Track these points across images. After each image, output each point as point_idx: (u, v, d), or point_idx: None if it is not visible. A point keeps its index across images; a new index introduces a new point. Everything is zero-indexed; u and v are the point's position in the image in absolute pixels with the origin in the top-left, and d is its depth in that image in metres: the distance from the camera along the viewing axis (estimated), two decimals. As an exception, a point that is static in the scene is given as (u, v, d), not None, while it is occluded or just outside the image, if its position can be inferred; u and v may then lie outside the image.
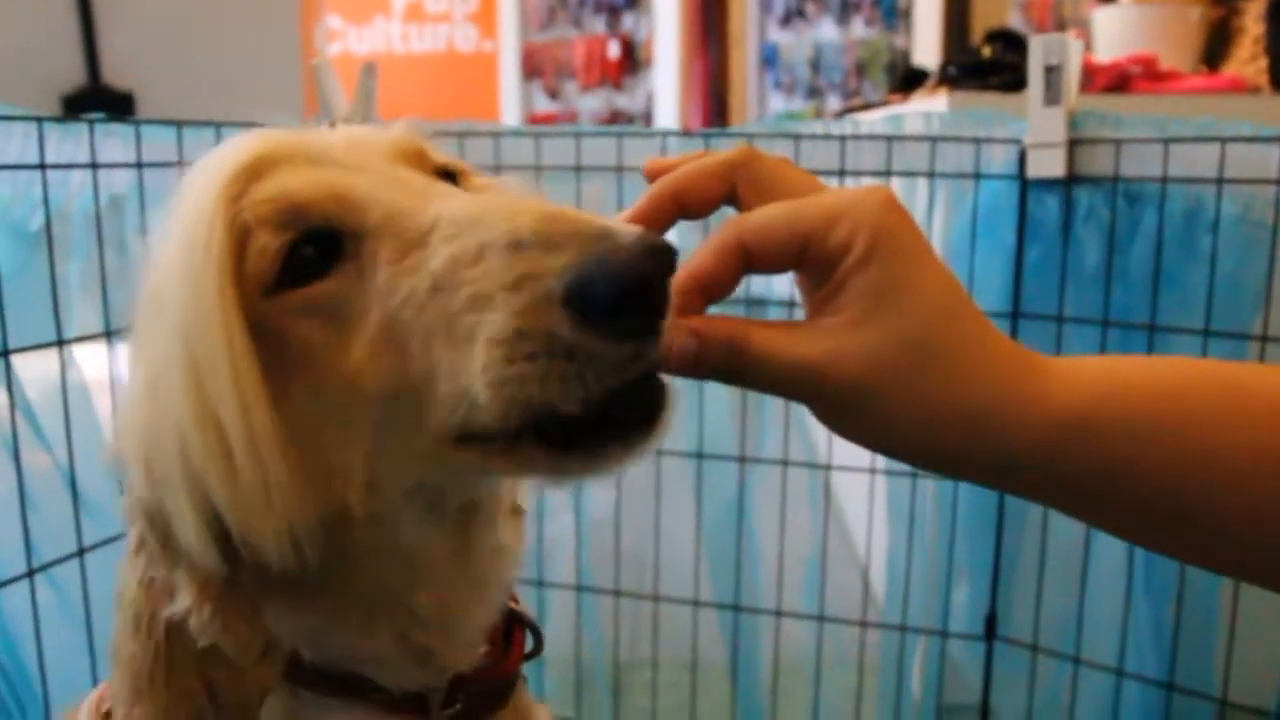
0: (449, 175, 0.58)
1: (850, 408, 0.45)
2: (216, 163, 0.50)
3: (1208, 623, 1.27)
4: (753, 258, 0.46)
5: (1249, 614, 1.23)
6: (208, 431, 0.46)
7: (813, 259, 0.45)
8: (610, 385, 0.43)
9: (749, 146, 0.49)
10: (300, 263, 0.48)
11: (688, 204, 0.48)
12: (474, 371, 0.43)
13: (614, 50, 6.51)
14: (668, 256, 0.42)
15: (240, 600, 0.52)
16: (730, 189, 0.48)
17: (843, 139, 1.32)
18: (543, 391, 0.42)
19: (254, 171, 0.50)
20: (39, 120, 0.98)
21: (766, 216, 0.46)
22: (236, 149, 0.51)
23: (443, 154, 0.57)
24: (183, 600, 0.51)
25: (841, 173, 1.32)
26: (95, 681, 1.07)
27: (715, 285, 0.46)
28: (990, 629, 1.40)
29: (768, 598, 1.48)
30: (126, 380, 0.54)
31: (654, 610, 1.50)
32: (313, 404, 0.49)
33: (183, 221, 0.48)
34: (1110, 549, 1.31)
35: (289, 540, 0.48)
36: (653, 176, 0.50)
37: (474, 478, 0.53)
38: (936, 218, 1.33)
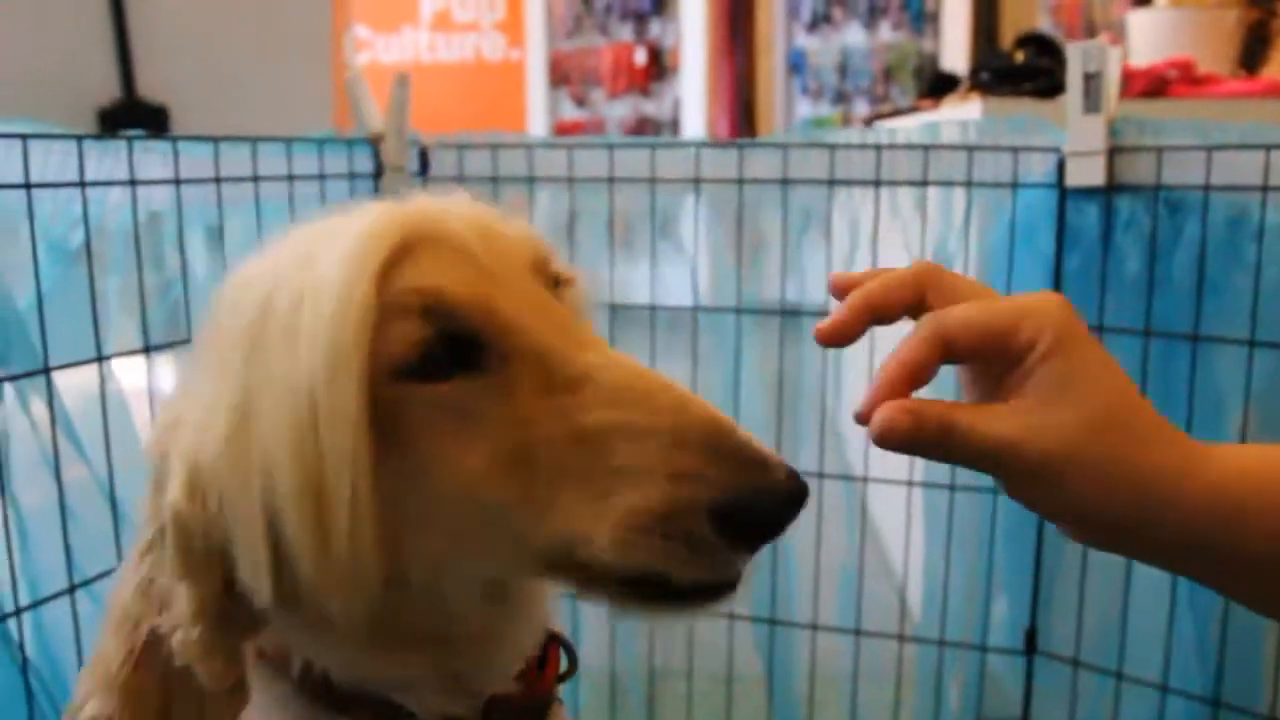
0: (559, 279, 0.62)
1: (1040, 480, 0.50)
2: (361, 235, 0.52)
3: (1254, 637, 1.25)
4: (952, 348, 0.52)
5: (1297, 629, 1.21)
6: (310, 494, 0.49)
7: (1003, 351, 0.52)
8: (719, 574, 0.51)
9: (930, 262, 0.55)
10: (431, 356, 0.52)
11: (882, 313, 0.55)
12: (605, 524, 0.50)
13: (641, 57, 6.51)
14: (804, 502, 0.51)
15: (230, 632, 0.54)
16: (920, 297, 0.54)
17: (878, 148, 1.31)
18: (664, 564, 0.50)
19: (401, 251, 0.53)
20: (79, 138, 0.99)
21: (965, 313, 0.52)
22: (381, 224, 0.53)
23: (559, 263, 0.62)
24: (177, 614, 0.53)
25: (877, 183, 1.31)
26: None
27: (921, 372, 0.52)
28: (1030, 643, 1.39)
29: (803, 611, 1.47)
30: (185, 390, 0.55)
31: (688, 622, 1.50)
32: (408, 488, 0.52)
33: (323, 286, 0.50)
34: (1153, 562, 1.29)
35: (353, 599, 0.51)
36: (840, 290, 0.56)
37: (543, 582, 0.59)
38: (974, 227, 1.32)
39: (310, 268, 0.52)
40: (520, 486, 0.51)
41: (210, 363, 0.53)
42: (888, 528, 2.16)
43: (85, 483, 1.06)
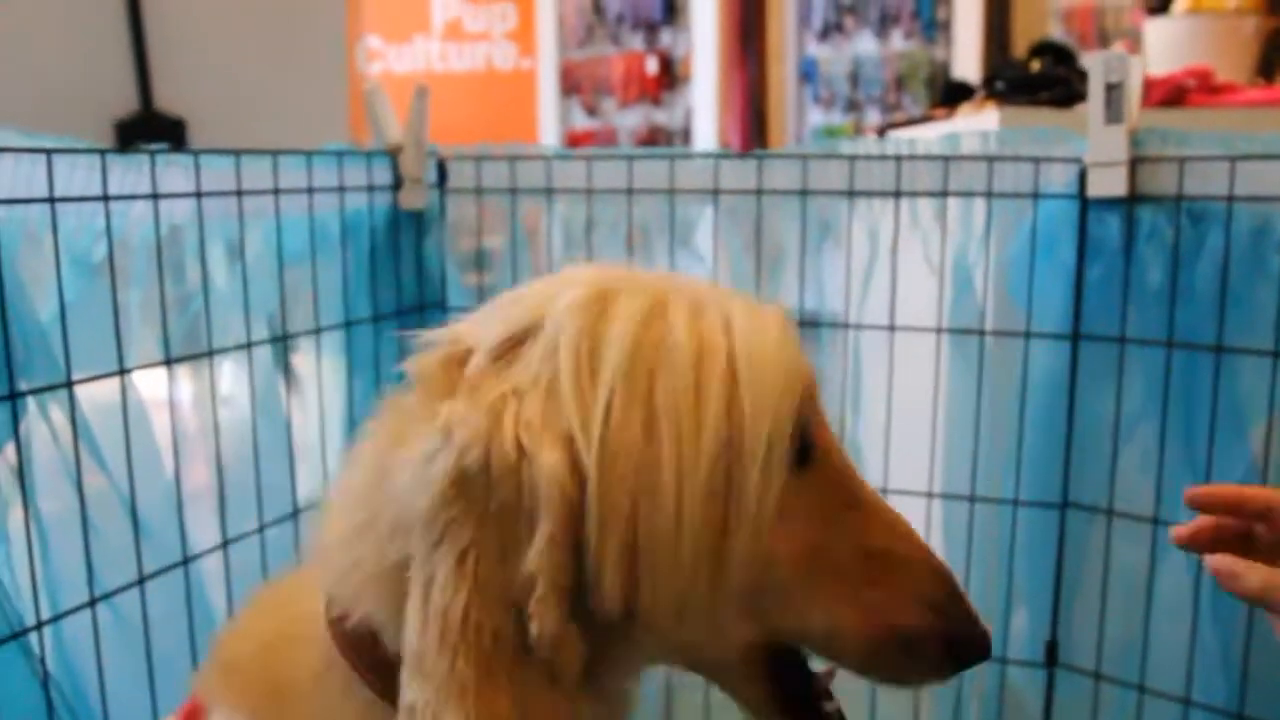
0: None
1: None
2: (780, 320, 0.61)
3: (1277, 650, 1.23)
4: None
5: (1322, 642, 1.19)
6: (714, 528, 0.55)
7: None
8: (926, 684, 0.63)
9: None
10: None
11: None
12: (867, 631, 0.60)
13: (652, 66, 6.52)
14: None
15: (573, 625, 0.55)
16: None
17: (898, 159, 1.30)
18: (900, 675, 0.62)
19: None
20: (102, 153, 0.99)
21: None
22: (779, 314, 0.61)
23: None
24: (538, 612, 0.53)
25: (897, 194, 1.31)
26: (154, 706, 1.08)
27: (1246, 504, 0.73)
28: (1051, 655, 1.38)
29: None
30: (510, 372, 0.57)
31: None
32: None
33: (772, 357, 0.58)
34: (1175, 573, 1.28)
35: (680, 629, 0.58)
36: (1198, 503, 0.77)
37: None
38: (994, 238, 1.31)
39: (731, 333, 0.57)
40: (805, 577, 0.60)
41: (582, 367, 0.55)
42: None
43: (105, 494, 1.06)
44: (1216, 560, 0.68)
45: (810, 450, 0.61)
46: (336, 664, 0.62)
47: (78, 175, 0.98)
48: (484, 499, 0.53)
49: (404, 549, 0.56)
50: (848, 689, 1.46)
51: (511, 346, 0.58)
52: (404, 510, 0.55)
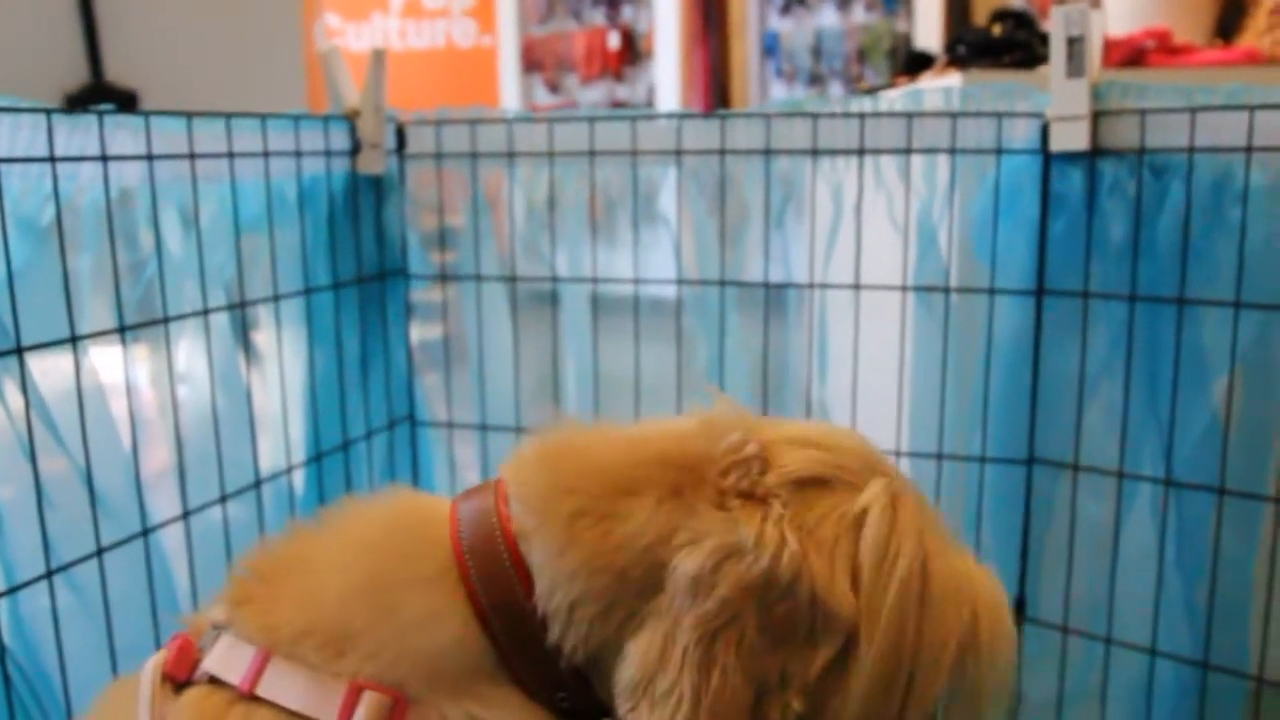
0: None
1: None
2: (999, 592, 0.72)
3: (1242, 599, 1.25)
4: None
5: (1284, 590, 1.21)
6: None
7: None
8: None
9: None
10: None
11: None
12: None
13: (614, 42, 6.48)
14: None
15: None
16: None
17: (861, 117, 1.30)
18: None
19: None
20: (48, 112, 0.96)
21: None
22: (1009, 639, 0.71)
23: None
24: (792, 695, 0.64)
25: (861, 151, 1.30)
26: (114, 679, 1.06)
27: None
28: (1019, 610, 1.38)
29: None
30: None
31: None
32: None
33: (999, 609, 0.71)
34: (1141, 526, 1.29)
35: None
36: None
37: None
38: (958, 194, 1.31)
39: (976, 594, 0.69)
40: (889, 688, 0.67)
41: (881, 562, 0.66)
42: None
43: (62, 469, 1.04)
44: None
45: None
46: (449, 573, 0.67)
47: (22, 136, 0.95)
48: (774, 605, 0.64)
49: (640, 606, 0.65)
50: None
51: (809, 486, 0.68)
52: (687, 588, 0.64)
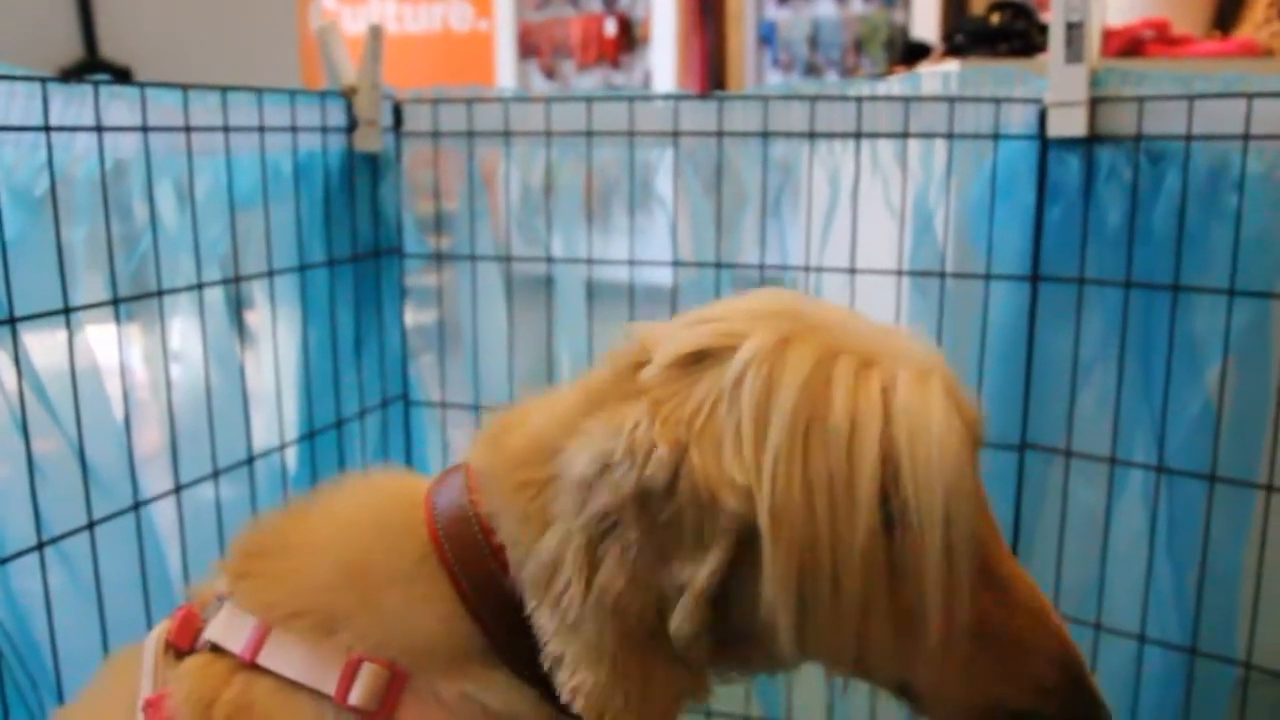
0: None
1: None
2: (948, 383, 0.62)
3: (1231, 587, 1.25)
4: None
5: (1272, 577, 1.21)
6: (861, 596, 0.59)
7: None
8: None
9: None
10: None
11: None
12: (965, 700, 0.63)
13: (611, 28, 6.46)
14: None
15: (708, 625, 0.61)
16: None
17: (859, 100, 1.29)
18: None
19: None
20: (43, 81, 0.95)
21: None
22: (953, 424, 0.60)
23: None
24: (680, 617, 0.60)
25: (858, 135, 1.30)
26: (107, 654, 1.06)
27: None
28: (1009, 597, 1.39)
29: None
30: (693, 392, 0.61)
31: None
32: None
33: (938, 420, 0.59)
34: (1132, 513, 1.30)
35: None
36: None
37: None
38: (955, 179, 1.31)
39: (890, 404, 0.59)
40: (906, 630, 0.60)
41: (759, 425, 0.59)
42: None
43: (56, 447, 1.04)
44: None
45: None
46: (429, 558, 0.67)
47: (16, 105, 0.94)
48: (656, 512, 0.60)
49: (566, 520, 0.62)
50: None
51: (694, 366, 0.62)
52: (574, 492, 0.62)
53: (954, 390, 0.62)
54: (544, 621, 0.63)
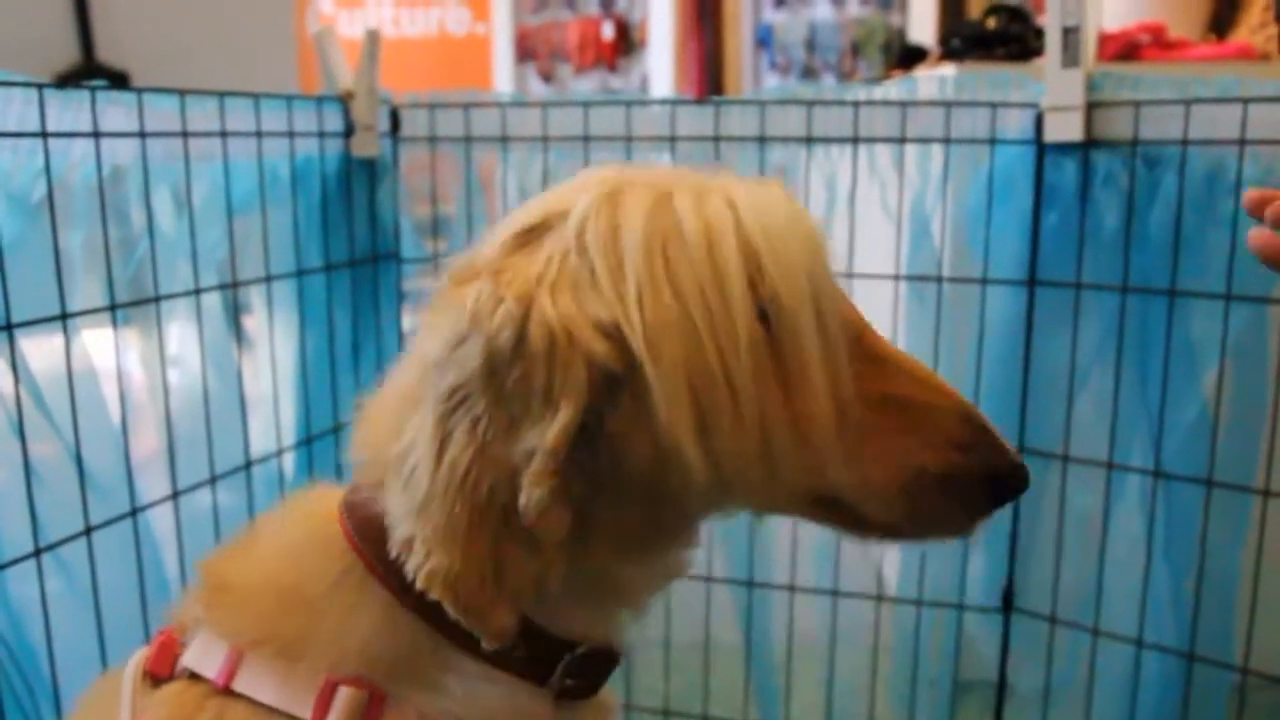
0: None
1: None
2: (780, 195, 0.62)
3: (1228, 591, 1.25)
4: None
5: (1270, 582, 1.21)
6: (758, 397, 0.58)
7: None
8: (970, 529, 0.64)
9: None
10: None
11: None
12: (897, 481, 0.61)
13: (608, 32, 6.46)
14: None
15: (564, 494, 0.58)
16: None
17: (855, 105, 1.29)
18: (934, 519, 0.62)
19: None
20: (39, 87, 0.95)
21: None
22: (800, 213, 0.62)
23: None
24: (530, 484, 0.57)
25: (855, 139, 1.30)
26: (104, 662, 1.06)
27: None
28: (1007, 601, 1.39)
29: (780, 573, 1.47)
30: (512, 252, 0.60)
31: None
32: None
33: (786, 222, 0.60)
34: (1129, 519, 1.30)
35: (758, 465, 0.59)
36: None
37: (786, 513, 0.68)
38: (951, 184, 1.31)
39: (737, 209, 0.59)
40: (820, 427, 0.59)
41: (610, 261, 0.58)
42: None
43: (53, 453, 1.03)
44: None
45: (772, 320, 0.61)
46: (354, 567, 0.66)
47: (13, 111, 0.94)
48: (505, 376, 0.58)
49: (423, 406, 0.61)
50: (805, 641, 1.46)
51: (529, 238, 0.62)
52: (429, 378, 0.60)
53: (791, 197, 0.63)
54: (394, 507, 0.61)
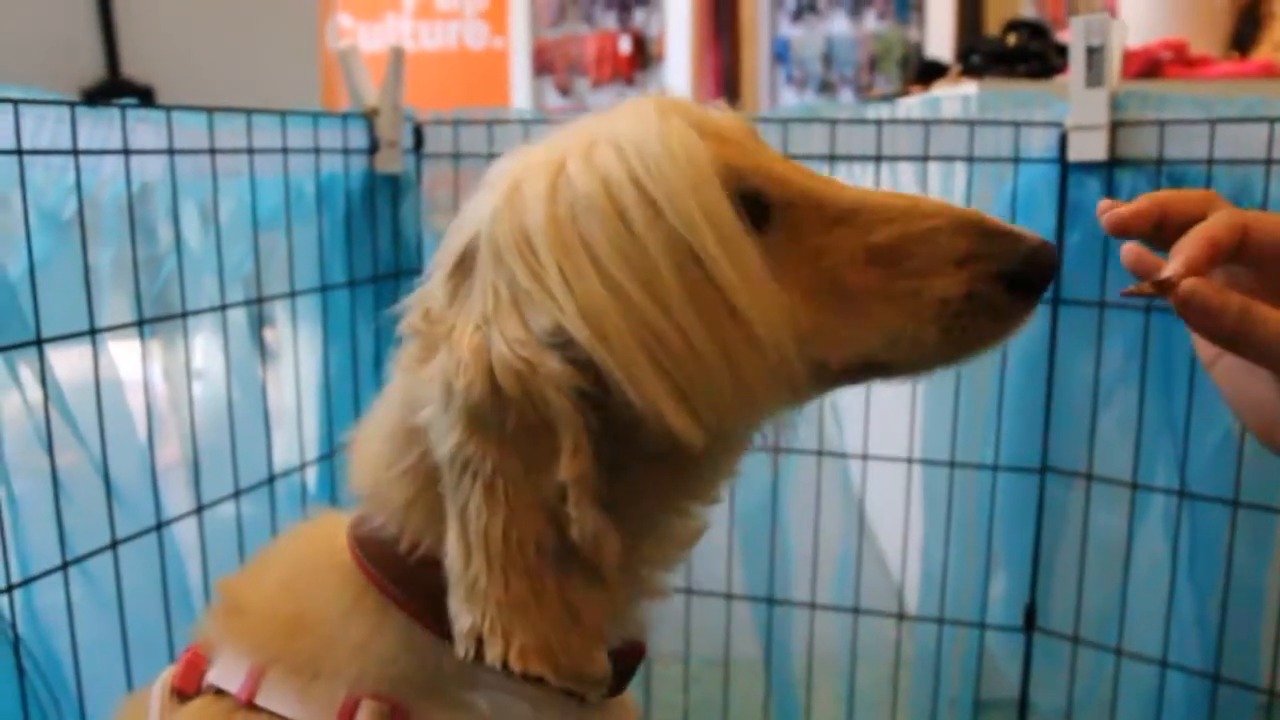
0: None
1: None
2: (673, 117, 0.58)
3: (1253, 613, 1.25)
4: (1248, 239, 0.57)
5: (1296, 603, 1.21)
6: (717, 331, 0.55)
7: None
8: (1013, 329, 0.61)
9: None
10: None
11: (1171, 215, 0.59)
12: (925, 320, 0.58)
13: (625, 46, 6.49)
14: (1056, 257, 0.61)
15: (607, 519, 0.57)
16: (1205, 214, 0.59)
17: (879, 123, 1.30)
18: (978, 341, 0.59)
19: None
20: (72, 105, 0.96)
21: (1265, 214, 0.58)
22: (681, 123, 0.58)
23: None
24: (577, 514, 0.55)
25: (878, 158, 1.30)
26: (129, 674, 1.07)
27: (1220, 252, 0.56)
28: (1029, 620, 1.38)
29: (800, 590, 1.47)
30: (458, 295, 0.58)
31: (686, 603, 1.49)
32: None
33: (675, 157, 0.56)
34: (1153, 537, 1.29)
35: (780, 390, 0.57)
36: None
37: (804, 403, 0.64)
38: (975, 202, 1.31)
39: (624, 155, 0.56)
40: (819, 310, 0.58)
41: (530, 267, 0.55)
42: (885, 507, 2.15)
43: (79, 462, 1.04)
44: (1185, 286, 0.54)
45: (766, 206, 0.59)
46: (368, 591, 0.65)
47: (45, 128, 0.95)
48: (499, 425, 0.56)
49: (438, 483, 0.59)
50: (826, 658, 1.46)
51: (459, 276, 0.60)
52: (435, 450, 0.59)
53: (664, 110, 0.58)
54: (452, 604, 0.58)
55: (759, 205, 0.58)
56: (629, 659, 0.67)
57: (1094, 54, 1.19)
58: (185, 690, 0.68)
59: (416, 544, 0.63)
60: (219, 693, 0.67)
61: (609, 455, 0.57)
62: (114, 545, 1.06)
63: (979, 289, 0.58)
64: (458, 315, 0.59)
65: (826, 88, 6.08)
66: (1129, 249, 0.62)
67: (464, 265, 0.59)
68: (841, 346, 0.59)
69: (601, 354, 0.54)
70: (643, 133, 0.57)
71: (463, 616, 0.57)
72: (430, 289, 0.62)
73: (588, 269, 0.54)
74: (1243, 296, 0.55)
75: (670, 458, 0.58)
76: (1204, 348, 0.66)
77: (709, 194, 0.55)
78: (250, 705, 0.65)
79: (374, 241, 1.43)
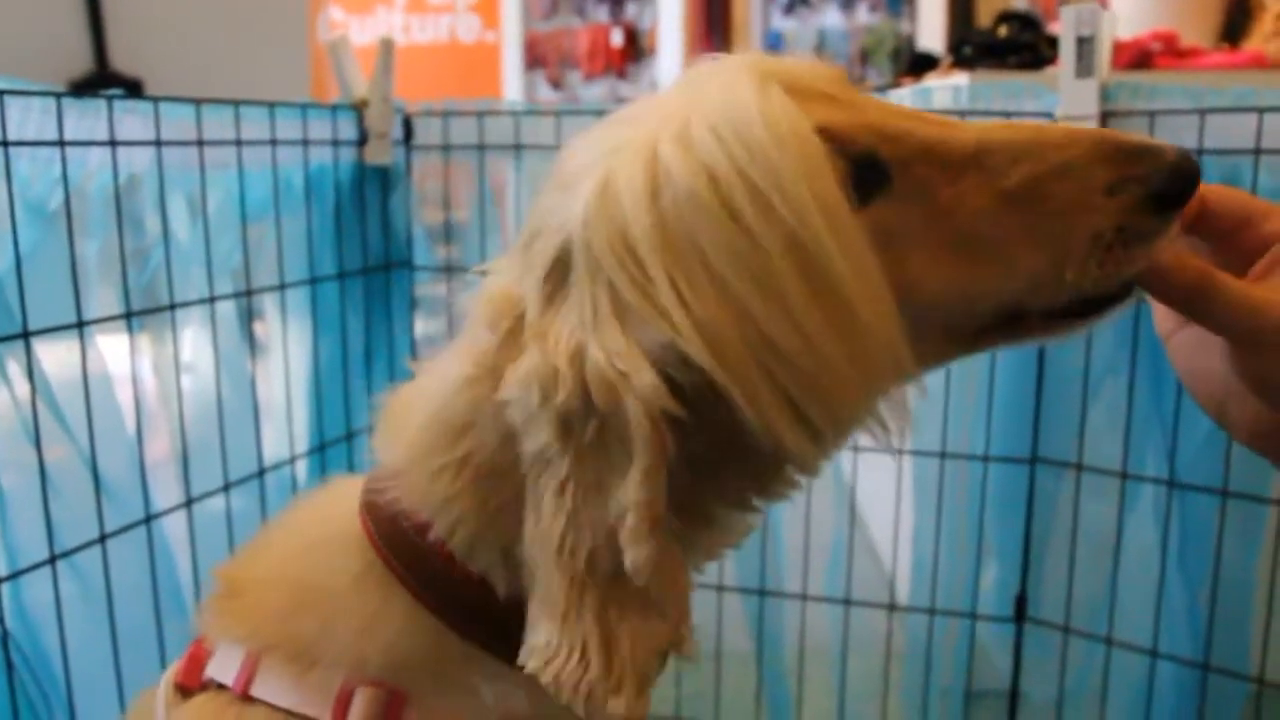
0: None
1: None
2: (766, 90, 0.53)
3: (1243, 601, 1.25)
4: (1205, 209, 0.59)
5: (1285, 592, 1.21)
6: (833, 324, 0.51)
7: (1247, 234, 0.59)
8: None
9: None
10: (851, 188, 0.53)
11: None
12: (1081, 259, 0.55)
13: (617, 39, 6.48)
14: (1197, 162, 0.57)
15: (674, 545, 0.54)
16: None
17: (869, 114, 1.29)
18: (1130, 267, 0.56)
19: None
20: (58, 96, 0.96)
21: (1228, 188, 0.60)
22: (780, 93, 0.53)
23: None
24: (630, 544, 0.53)
25: (868, 148, 1.30)
26: (118, 668, 1.07)
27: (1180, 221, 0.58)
28: (1020, 610, 1.39)
29: (792, 582, 1.47)
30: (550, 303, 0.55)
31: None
32: None
33: (778, 142, 0.51)
34: (1143, 527, 1.30)
35: (888, 377, 0.54)
36: None
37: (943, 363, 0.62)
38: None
39: (725, 143, 0.51)
40: (961, 268, 0.55)
41: (634, 276, 0.51)
42: (876, 498, 2.16)
43: (67, 458, 1.04)
44: None
45: (884, 167, 0.55)
46: (373, 566, 0.63)
47: (31, 119, 0.95)
48: (581, 433, 0.54)
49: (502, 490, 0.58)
50: (817, 649, 1.46)
51: (556, 279, 0.56)
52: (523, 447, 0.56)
53: (761, 82, 0.53)
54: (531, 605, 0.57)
55: (875, 168, 0.54)
56: None
57: (1084, 45, 1.19)
58: (188, 686, 0.67)
59: (443, 539, 0.61)
60: (220, 687, 0.65)
61: (685, 480, 0.55)
62: (103, 539, 1.05)
63: (1134, 214, 0.55)
64: (552, 322, 0.55)
65: (818, 80, 6.06)
66: None
67: (558, 271, 0.56)
68: (981, 299, 0.56)
69: (720, 374, 0.51)
70: (742, 110, 0.52)
71: (530, 615, 0.56)
72: (500, 283, 0.59)
73: (701, 279, 0.51)
74: (1202, 261, 0.56)
75: (763, 462, 0.57)
76: (1162, 319, 0.65)
77: (821, 182, 0.51)
78: (245, 697, 0.64)
79: (363, 233, 1.42)
